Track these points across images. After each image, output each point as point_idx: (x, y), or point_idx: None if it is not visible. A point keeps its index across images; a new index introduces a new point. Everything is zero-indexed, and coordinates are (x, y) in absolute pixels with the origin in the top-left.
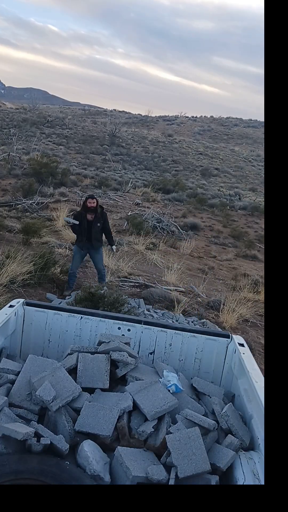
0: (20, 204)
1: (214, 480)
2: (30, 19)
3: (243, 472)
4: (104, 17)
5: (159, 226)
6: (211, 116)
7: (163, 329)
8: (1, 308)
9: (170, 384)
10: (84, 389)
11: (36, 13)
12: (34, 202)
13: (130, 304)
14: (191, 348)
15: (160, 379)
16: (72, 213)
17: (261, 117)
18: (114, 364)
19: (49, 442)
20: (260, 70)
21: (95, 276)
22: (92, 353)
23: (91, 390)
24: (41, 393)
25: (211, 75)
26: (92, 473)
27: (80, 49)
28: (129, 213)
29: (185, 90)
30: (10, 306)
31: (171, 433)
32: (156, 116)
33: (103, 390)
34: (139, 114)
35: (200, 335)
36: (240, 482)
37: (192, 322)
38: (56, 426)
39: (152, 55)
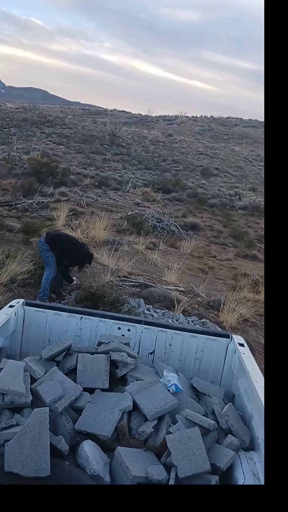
0: (20, 203)
1: (214, 480)
2: (12, 11)
3: (243, 472)
4: (86, 7)
5: (159, 226)
6: (211, 116)
7: (163, 329)
8: (1, 308)
9: (170, 384)
10: (84, 390)
11: (18, 4)
12: (34, 202)
13: (130, 304)
14: (191, 348)
15: (160, 379)
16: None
17: (261, 117)
18: (114, 364)
19: None
20: (251, 66)
21: (95, 276)
22: (92, 353)
23: (91, 390)
24: (42, 394)
25: (202, 70)
26: (92, 473)
27: (67, 43)
28: (129, 213)
29: (177, 87)
30: (10, 306)
31: (171, 433)
32: (156, 116)
33: (103, 390)
34: (139, 113)
35: (200, 335)
36: (240, 482)
37: (192, 321)
38: (56, 426)
39: (140, 49)
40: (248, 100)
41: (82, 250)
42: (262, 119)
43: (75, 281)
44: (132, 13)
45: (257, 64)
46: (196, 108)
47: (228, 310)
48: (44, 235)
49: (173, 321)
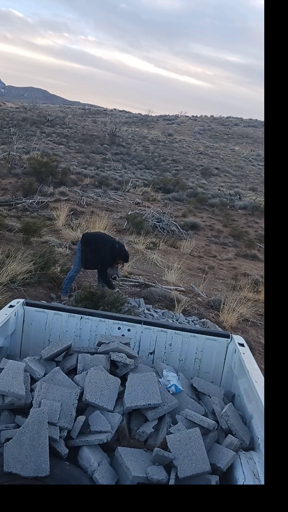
0: (20, 203)
1: (214, 480)
2: None
3: (243, 472)
4: None
5: (159, 226)
6: (211, 116)
7: (163, 329)
8: (1, 308)
9: (170, 385)
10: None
11: None
12: (34, 201)
13: (130, 304)
14: (191, 348)
15: (160, 379)
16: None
17: (261, 117)
18: (114, 364)
19: None
20: (240, 60)
21: (95, 275)
22: (92, 353)
23: None
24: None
25: (191, 65)
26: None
27: (51, 37)
28: (129, 213)
29: (169, 83)
30: (10, 306)
31: (171, 433)
32: (156, 116)
33: None
34: (139, 113)
35: (200, 335)
36: (240, 482)
37: (192, 321)
38: None
39: (125, 42)
40: (241, 97)
41: (113, 249)
42: (262, 119)
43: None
44: (112, 1)
45: (246, 58)
46: (191, 105)
47: (228, 310)
48: (82, 235)
49: (173, 321)
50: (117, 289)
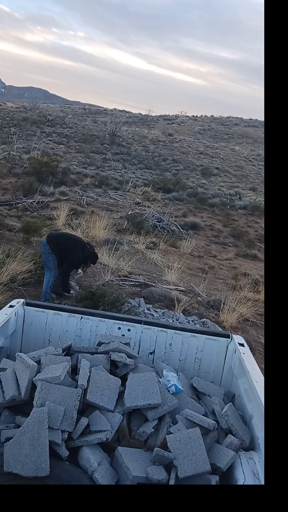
0: (20, 203)
1: (214, 480)
2: None
3: (243, 472)
4: None
5: (159, 225)
6: (212, 116)
7: (163, 329)
8: (1, 308)
9: (170, 384)
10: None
11: None
12: (34, 201)
13: (130, 303)
14: (191, 348)
15: (160, 379)
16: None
17: (261, 116)
18: (114, 364)
19: None
20: (233, 55)
21: (96, 275)
22: (92, 353)
23: None
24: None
25: (184, 61)
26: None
27: (40, 33)
28: (129, 212)
29: (163, 80)
30: (10, 306)
31: (171, 433)
32: (156, 116)
33: None
34: (139, 113)
35: (200, 335)
36: (240, 482)
37: (192, 321)
38: None
39: (115, 37)
40: (236, 94)
41: (84, 251)
42: (262, 119)
43: (72, 292)
44: None
45: (238, 53)
46: (187, 103)
47: (228, 309)
48: (46, 236)
49: (173, 321)
50: (72, 292)
